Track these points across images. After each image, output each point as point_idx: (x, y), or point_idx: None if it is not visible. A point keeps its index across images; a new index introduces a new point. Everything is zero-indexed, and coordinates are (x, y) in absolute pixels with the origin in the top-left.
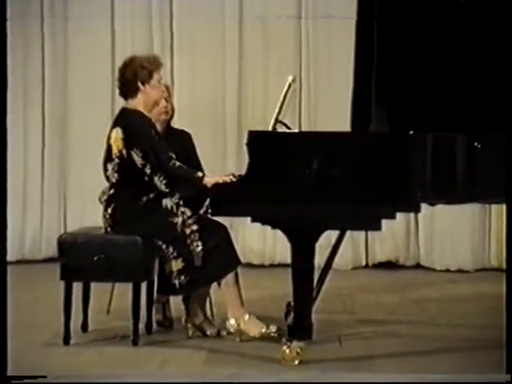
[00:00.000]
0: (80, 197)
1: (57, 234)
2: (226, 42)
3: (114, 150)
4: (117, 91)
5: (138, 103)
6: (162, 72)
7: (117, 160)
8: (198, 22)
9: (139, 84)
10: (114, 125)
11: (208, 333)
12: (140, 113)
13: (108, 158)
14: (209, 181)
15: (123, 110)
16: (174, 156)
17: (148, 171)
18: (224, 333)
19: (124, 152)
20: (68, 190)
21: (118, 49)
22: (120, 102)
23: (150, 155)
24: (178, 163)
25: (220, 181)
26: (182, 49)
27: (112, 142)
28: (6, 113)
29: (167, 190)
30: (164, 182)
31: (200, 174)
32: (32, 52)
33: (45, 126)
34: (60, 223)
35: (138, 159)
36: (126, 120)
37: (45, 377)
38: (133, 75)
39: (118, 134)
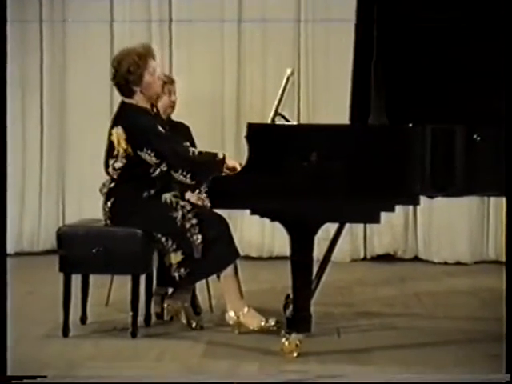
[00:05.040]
0: (78, 189)
1: (55, 226)
2: (225, 34)
3: (118, 149)
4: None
5: (138, 99)
6: (158, 61)
7: (123, 159)
8: (196, 16)
9: (133, 87)
10: (115, 123)
11: (184, 321)
12: (141, 109)
13: (109, 154)
14: (229, 162)
15: (123, 106)
16: (188, 143)
17: (165, 168)
18: (194, 325)
19: (130, 151)
20: (66, 182)
21: (117, 39)
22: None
23: (164, 153)
24: (196, 150)
25: (237, 166)
26: (180, 42)
27: (114, 139)
28: (5, 113)
29: (193, 183)
30: (189, 175)
31: (221, 155)
32: (31, 54)
33: (43, 119)
34: (58, 215)
35: (150, 158)
36: (127, 119)
37: (45, 377)
38: (124, 81)
39: (119, 132)
